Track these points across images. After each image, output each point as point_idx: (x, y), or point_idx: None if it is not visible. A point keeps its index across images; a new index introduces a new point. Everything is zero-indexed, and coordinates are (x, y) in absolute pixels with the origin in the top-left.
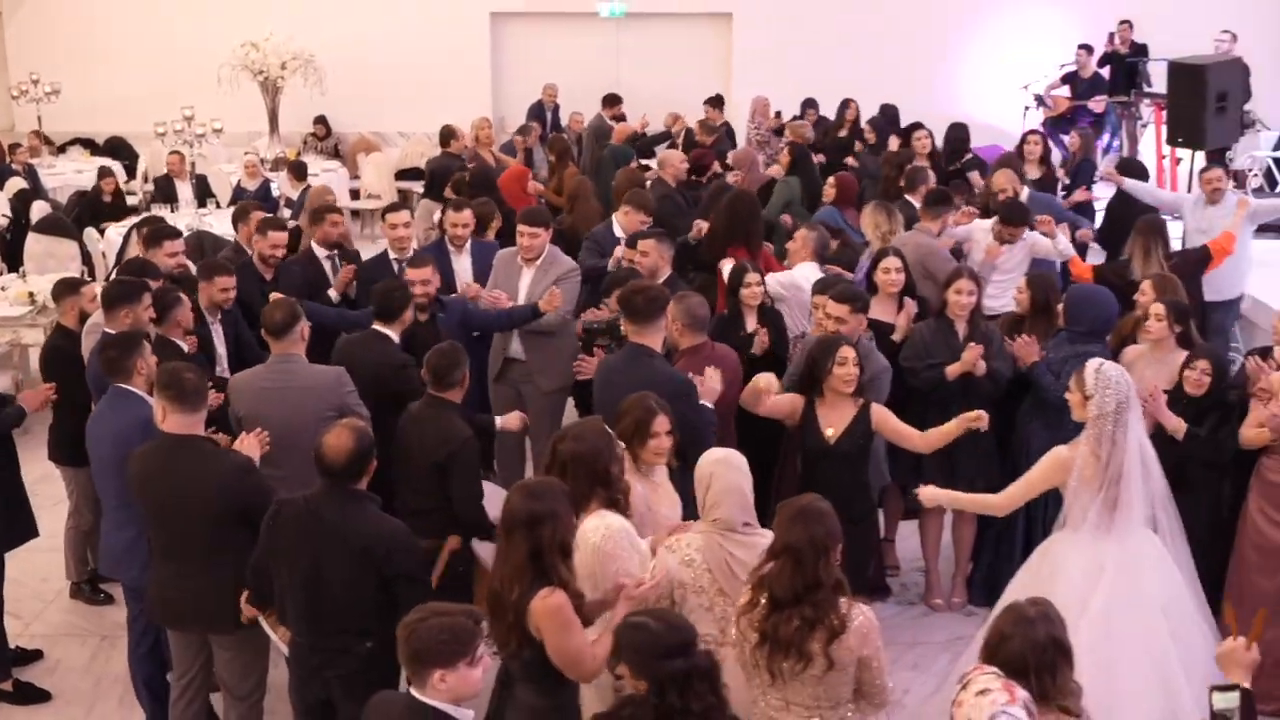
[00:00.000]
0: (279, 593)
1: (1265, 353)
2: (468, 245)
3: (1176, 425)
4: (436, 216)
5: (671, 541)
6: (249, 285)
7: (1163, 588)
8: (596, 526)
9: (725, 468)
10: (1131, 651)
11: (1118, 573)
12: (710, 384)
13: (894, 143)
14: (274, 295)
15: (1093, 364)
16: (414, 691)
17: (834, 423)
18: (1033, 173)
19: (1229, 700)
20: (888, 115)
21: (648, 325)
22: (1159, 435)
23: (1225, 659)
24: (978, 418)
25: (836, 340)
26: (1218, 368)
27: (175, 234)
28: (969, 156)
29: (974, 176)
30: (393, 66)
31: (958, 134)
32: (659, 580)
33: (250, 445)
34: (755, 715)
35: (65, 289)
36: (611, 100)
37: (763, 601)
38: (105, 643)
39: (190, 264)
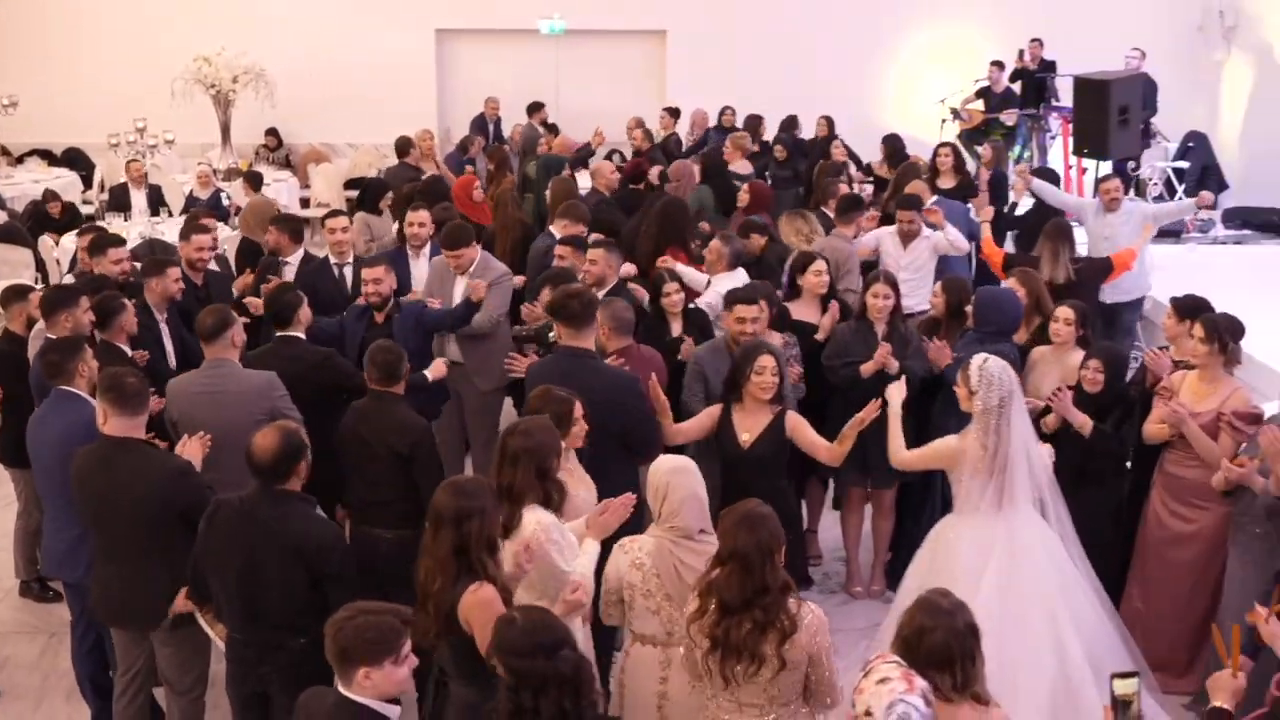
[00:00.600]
0: (215, 591)
1: (1164, 350)
2: (427, 249)
3: (1083, 422)
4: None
5: (625, 542)
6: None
7: (1050, 562)
8: (529, 522)
9: (683, 476)
10: (1024, 624)
11: (1007, 551)
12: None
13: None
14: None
15: (976, 360)
16: (341, 688)
17: (750, 428)
18: (946, 182)
19: (1129, 686)
20: (789, 129)
21: (583, 329)
22: (1065, 431)
23: (1214, 685)
24: (863, 420)
25: (758, 347)
26: (1113, 366)
27: (119, 241)
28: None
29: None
30: (342, 80)
31: (895, 144)
32: (586, 589)
33: (192, 448)
34: (706, 718)
35: (13, 296)
36: (535, 108)
37: (712, 608)
38: (54, 640)
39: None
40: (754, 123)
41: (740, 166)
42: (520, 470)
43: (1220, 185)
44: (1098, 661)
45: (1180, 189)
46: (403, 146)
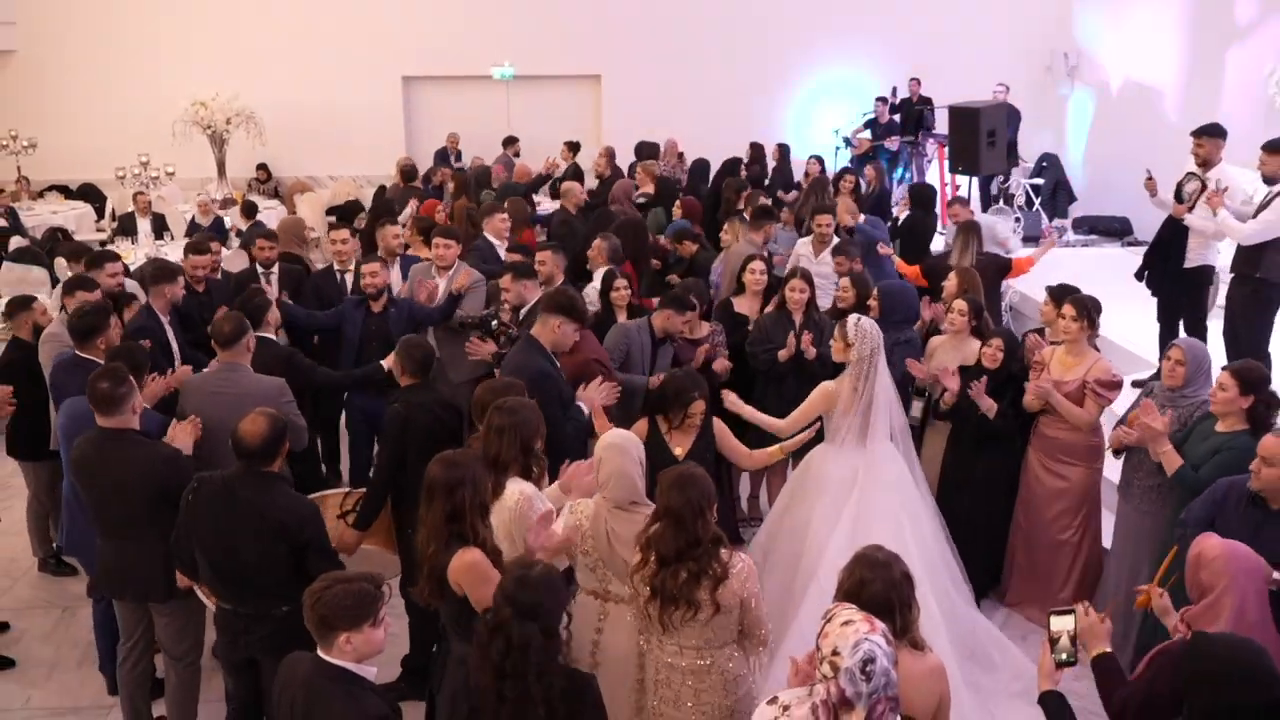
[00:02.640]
0: (200, 564)
1: (1040, 332)
2: (396, 261)
3: (990, 406)
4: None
5: (573, 504)
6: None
7: (899, 487)
8: (512, 492)
9: (614, 452)
10: (874, 534)
11: (867, 476)
12: (589, 394)
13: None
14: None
15: (851, 319)
16: (321, 653)
17: (681, 442)
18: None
19: (1064, 623)
20: (700, 166)
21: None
22: (962, 406)
23: (1087, 633)
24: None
25: (690, 388)
26: (1009, 345)
27: (115, 257)
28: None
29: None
30: (322, 121)
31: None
32: (568, 535)
33: (183, 433)
34: (650, 662)
35: (18, 306)
36: (509, 141)
37: (651, 560)
38: (66, 613)
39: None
40: (653, 149)
41: (649, 189)
42: (505, 442)
43: (1070, 198)
44: (933, 570)
45: (1037, 201)
46: (412, 172)
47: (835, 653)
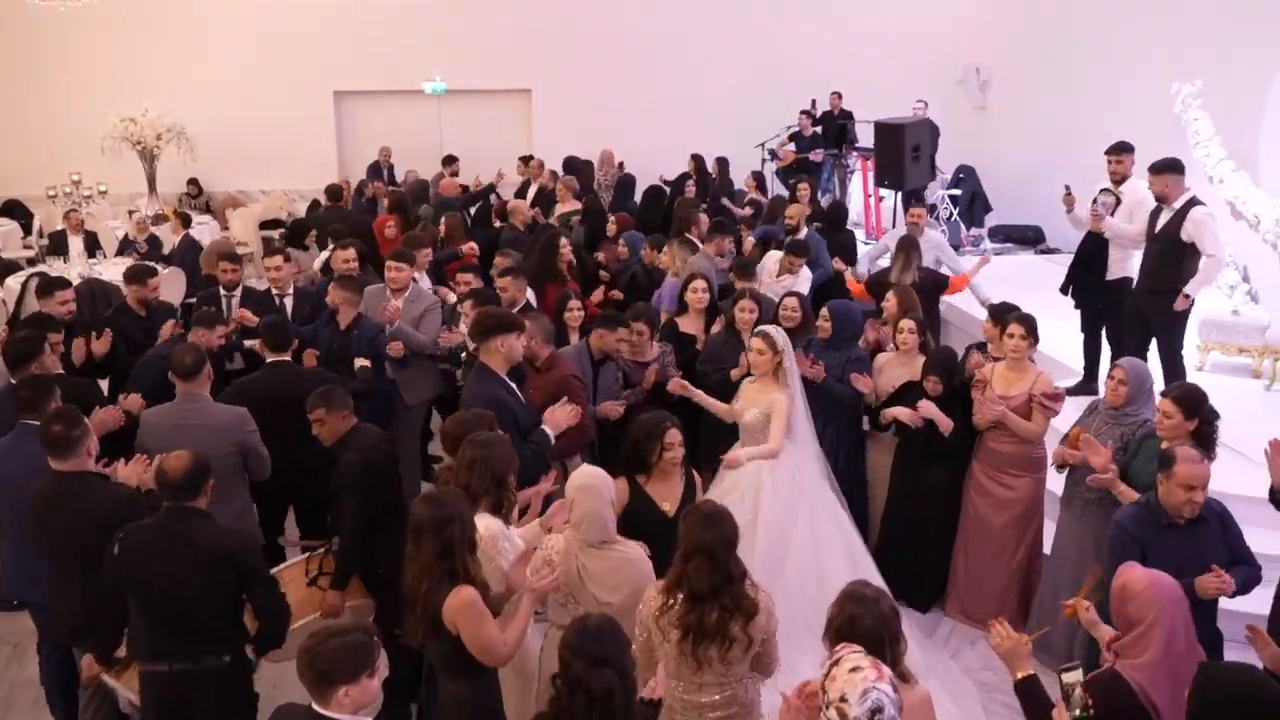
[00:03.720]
0: (133, 625)
1: (981, 347)
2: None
3: (947, 425)
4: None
5: (545, 540)
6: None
7: (817, 481)
8: (479, 527)
9: (588, 493)
10: (793, 524)
11: (786, 472)
12: (558, 417)
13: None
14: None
15: (771, 329)
16: (316, 707)
17: (668, 496)
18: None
19: (1075, 677)
20: (625, 182)
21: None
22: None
23: (1009, 656)
24: None
25: (660, 424)
26: (946, 366)
27: (65, 284)
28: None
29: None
30: (253, 136)
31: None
32: (559, 575)
33: (130, 473)
34: (671, 700)
35: None
36: (449, 160)
37: (678, 600)
38: (18, 650)
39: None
40: (584, 165)
41: (570, 205)
42: (476, 475)
43: (986, 208)
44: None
45: (954, 211)
46: (337, 193)
47: (843, 699)
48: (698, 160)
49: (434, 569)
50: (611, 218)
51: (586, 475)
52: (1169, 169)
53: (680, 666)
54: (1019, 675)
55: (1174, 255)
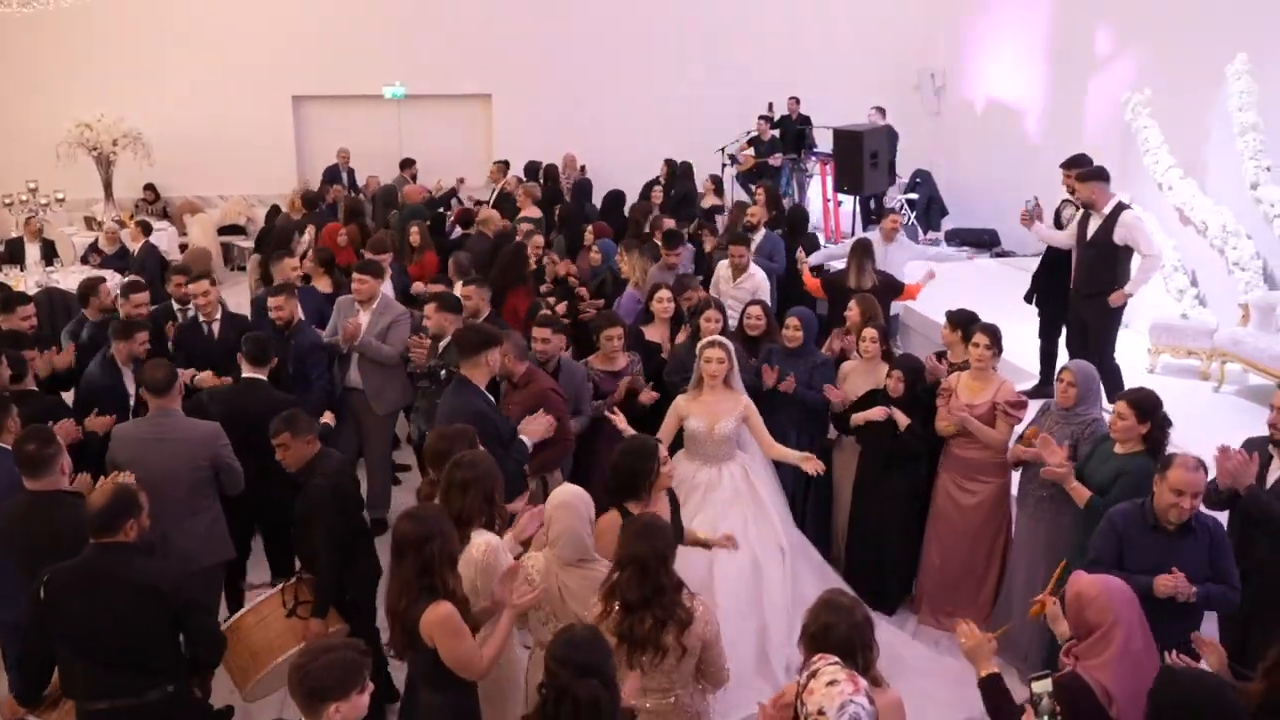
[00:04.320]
0: (65, 664)
1: (941, 355)
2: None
3: (904, 421)
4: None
5: (524, 557)
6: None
7: (765, 487)
8: (478, 544)
9: (564, 511)
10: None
11: (732, 477)
12: (535, 427)
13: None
14: None
15: (723, 340)
16: None
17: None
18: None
19: (1043, 686)
20: (582, 186)
21: (469, 359)
22: (870, 426)
23: (973, 654)
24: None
25: (650, 444)
26: (911, 373)
27: (25, 299)
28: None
29: None
30: (211, 141)
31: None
32: (538, 593)
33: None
34: None
35: None
36: (407, 163)
37: (615, 608)
38: None
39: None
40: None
41: (530, 212)
42: (469, 498)
43: (942, 211)
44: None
45: (912, 215)
46: (315, 199)
47: (821, 712)
48: (670, 165)
49: (413, 585)
50: (590, 226)
51: (566, 493)
52: (1095, 177)
53: (621, 672)
54: (983, 673)
55: (1108, 260)
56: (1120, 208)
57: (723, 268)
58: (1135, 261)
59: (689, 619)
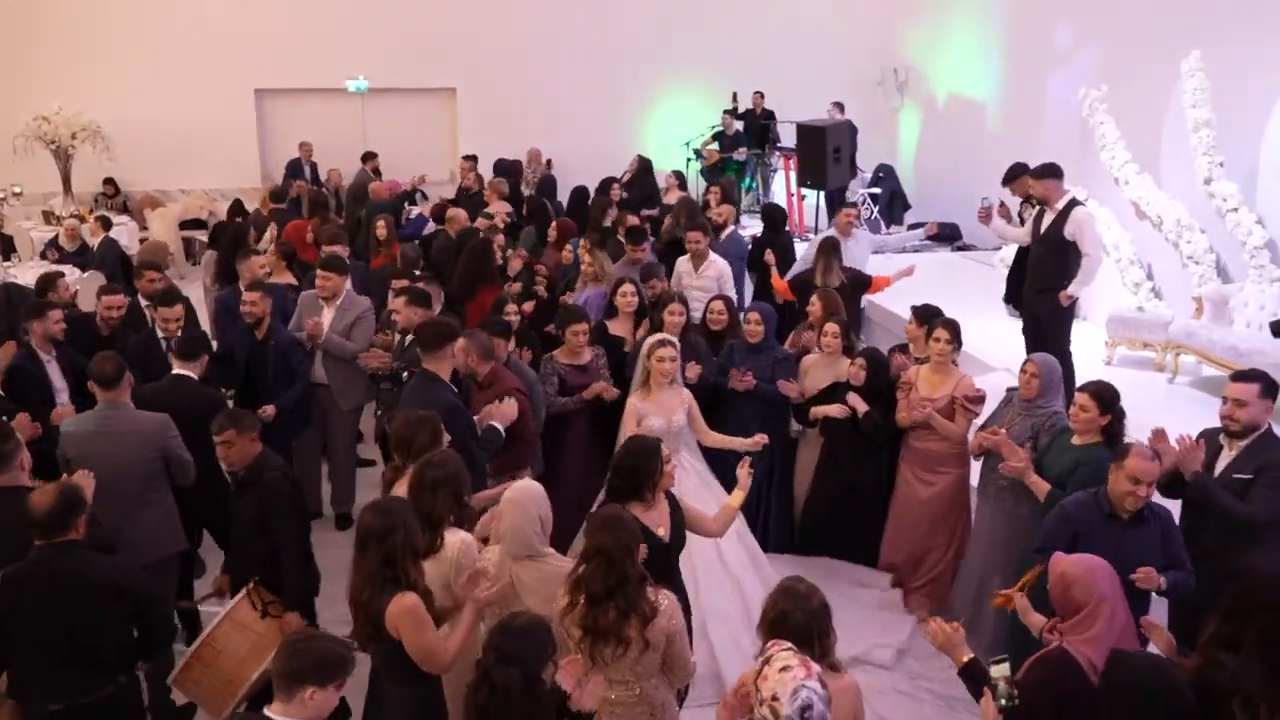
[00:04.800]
0: (16, 668)
1: (904, 348)
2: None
3: (841, 409)
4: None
5: (483, 553)
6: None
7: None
8: (453, 542)
9: (512, 508)
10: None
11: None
12: (505, 410)
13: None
14: None
15: (665, 337)
16: (271, 711)
17: (660, 522)
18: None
19: (1001, 670)
20: (548, 181)
21: (434, 353)
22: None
23: (947, 647)
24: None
25: (653, 443)
26: (875, 364)
27: None
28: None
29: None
30: (172, 134)
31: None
32: (502, 588)
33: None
34: None
35: None
36: (368, 157)
37: (581, 601)
38: None
39: None
40: (513, 166)
41: (498, 207)
42: (439, 497)
43: (905, 205)
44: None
45: (875, 209)
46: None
47: (775, 698)
48: (643, 161)
49: (377, 576)
50: (553, 224)
51: (517, 490)
52: (1049, 174)
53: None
54: (962, 661)
55: (1059, 255)
56: (1073, 204)
57: (683, 262)
58: None
59: (653, 613)
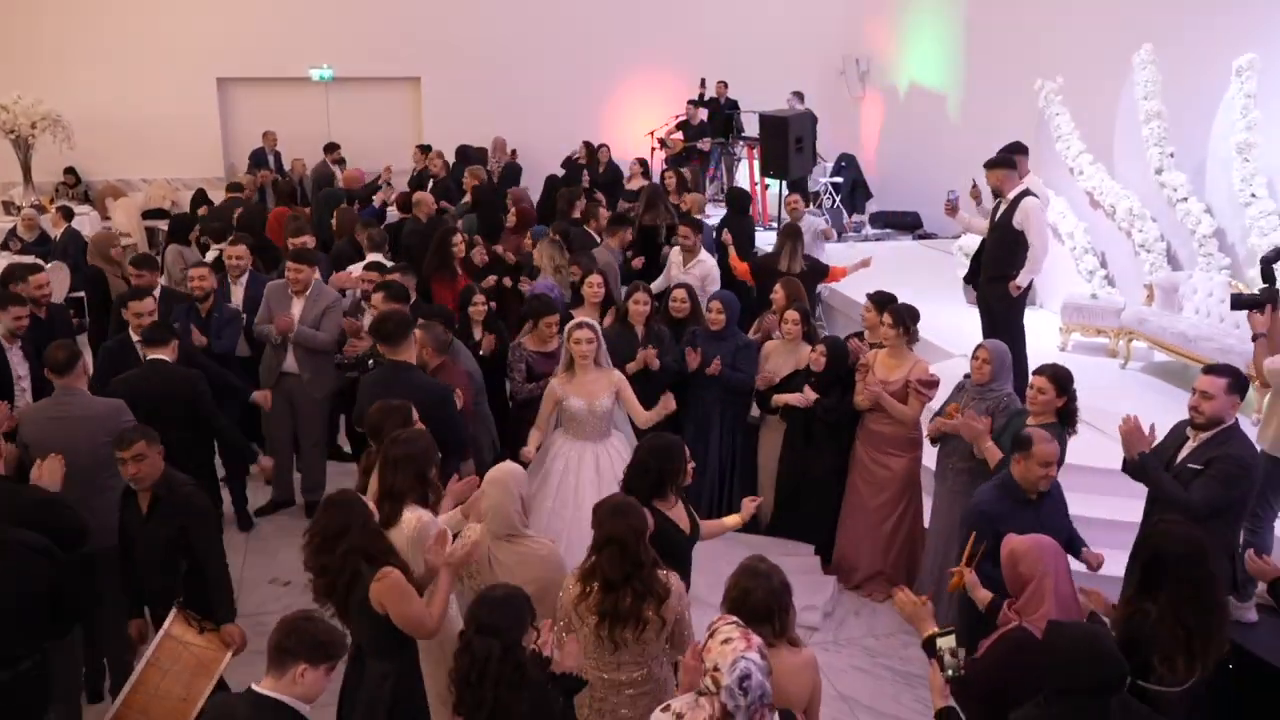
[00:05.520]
0: None
1: (860, 336)
2: (244, 277)
3: (802, 399)
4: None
5: (465, 529)
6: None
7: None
8: (409, 518)
9: (494, 487)
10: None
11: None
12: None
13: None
14: None
15: (584, 320)
16: (258, 687)
17: (682, 516)
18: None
19: (947, 642)
20: (512, 169)
21: (400, 345)
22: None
23: (913, 618)
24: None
25: (676, 443)
26: (835, 351)
27: None
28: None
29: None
30: (133, 123)
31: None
32: (470, 549)
33: (51, 471)
34: (591, 679)
35: None
36: (331, 148)
37: (594, 588)
38: None
39: None
40: (478, 154)
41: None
42: (400, 474)
43: (867, 194)
44: None
45: (837, 198)
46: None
47: (716, 669)
48: (588, 147)
49: (346, 566)
50: (511, 210)
51: (500, 470)
52: (1002, 164)
53: (599, 649)
54: (925, 634)
55: (1010, 244)
56: (1024, 194)
57: (675, 254)
58: None
59: (666, 593)
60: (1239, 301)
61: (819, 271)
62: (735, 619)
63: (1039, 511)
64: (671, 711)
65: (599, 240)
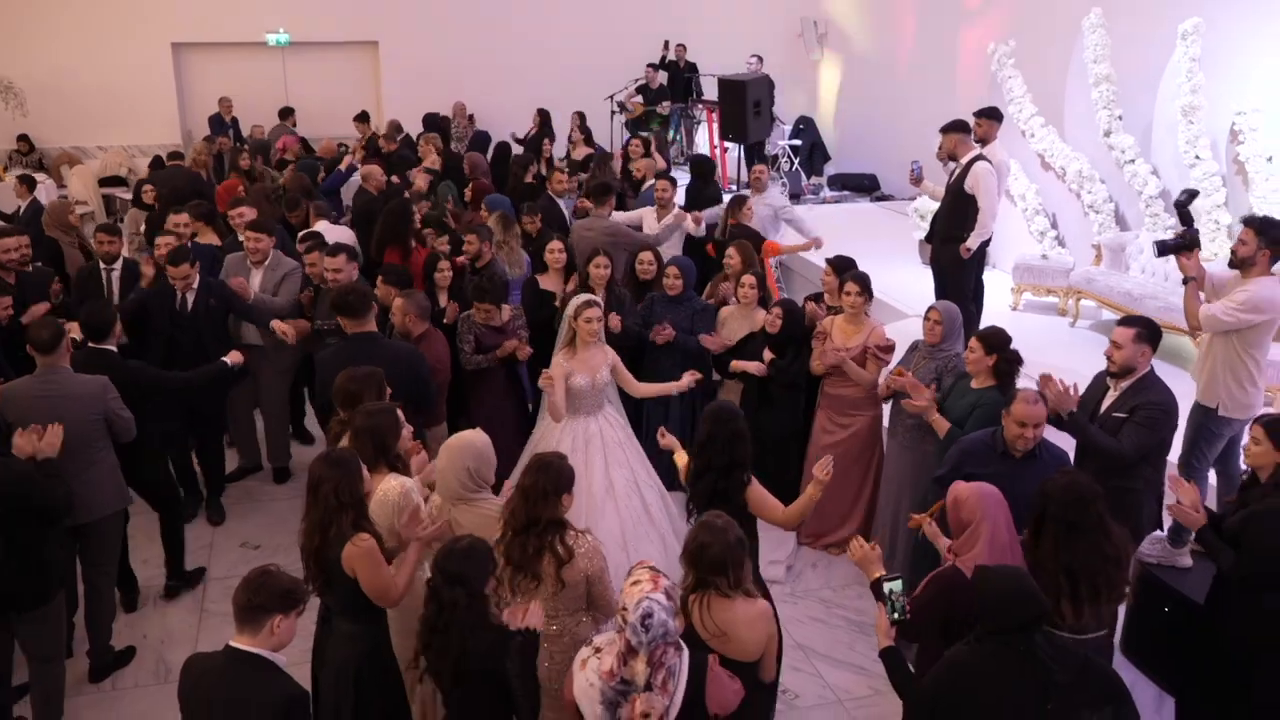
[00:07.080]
0: None
1: (818, 298)
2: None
3: (759, 368)
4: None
5: (431, 499)
6: None
7: (626, 443)
8: (392, 487)
9: (444, 453)
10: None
11: (599, 434)
12: None
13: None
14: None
15: (590, 298)
16: (234, 642)
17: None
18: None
19: (894, 586)
20: (480, 138)
21: (363, 316)
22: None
23: (863, 563)
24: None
25: (736, 411)
26: (791, 314)
27: None
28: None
29: None
30: (88, 89)
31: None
32: (441, 526)
33: (52, 436)
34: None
35: None
36: (286, 113)
37: (509, 534)
38: None
39: None
40: (441, 122)
41: (433, 163)
42: (360, 444)
43: (825, 157)
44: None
45: (796, 160)
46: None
47: (625, 608)
48: (543, 115)
49: (328, 523)
50: (469, 185)
51: (456, 438)
52: (956, 129)
53: (502, 592)
54: (873, 577)
55: (961, 207)
56: (977, 159)
57: (648, 214)
58: None
59: (568, 556)
60: (1165, 247)
61: (756, 242)
62: (652, 564)
63: (1017, 468)
64: (592, 646)
65: (561, 206)
